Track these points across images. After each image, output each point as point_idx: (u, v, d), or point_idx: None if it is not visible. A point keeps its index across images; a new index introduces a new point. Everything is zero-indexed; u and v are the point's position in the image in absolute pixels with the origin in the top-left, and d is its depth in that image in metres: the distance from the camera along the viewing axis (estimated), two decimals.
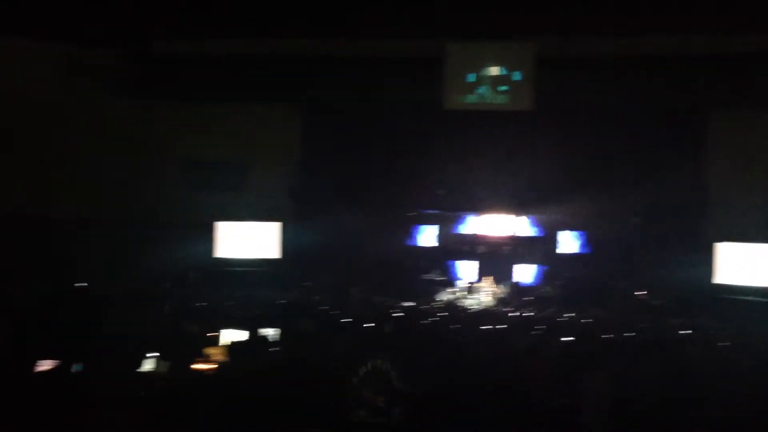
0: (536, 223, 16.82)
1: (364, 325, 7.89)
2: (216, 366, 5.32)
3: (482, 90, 15.91)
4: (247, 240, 16.28)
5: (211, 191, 16.86)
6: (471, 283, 15.66)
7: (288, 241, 16.13)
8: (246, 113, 16.82)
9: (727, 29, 13.63)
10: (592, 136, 15.67)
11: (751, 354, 7.85)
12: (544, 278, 16.27)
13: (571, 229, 16.52)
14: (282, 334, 6.87)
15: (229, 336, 6.61)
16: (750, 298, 13.81)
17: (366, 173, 16.74)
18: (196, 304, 10.54)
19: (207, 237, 15.98)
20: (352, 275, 15.65)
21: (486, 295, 14.94)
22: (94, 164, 15.68)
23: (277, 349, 6.05)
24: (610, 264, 15.57)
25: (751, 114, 14.80)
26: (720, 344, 8.50)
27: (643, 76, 14.62)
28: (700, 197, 15.21)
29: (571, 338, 8.02)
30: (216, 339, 6.80)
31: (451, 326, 9.21)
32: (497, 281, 15.47)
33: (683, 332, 9.77)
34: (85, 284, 10.65)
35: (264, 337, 6.18)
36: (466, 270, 16.56)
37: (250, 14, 14.70)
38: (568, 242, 16.53)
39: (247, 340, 6.07)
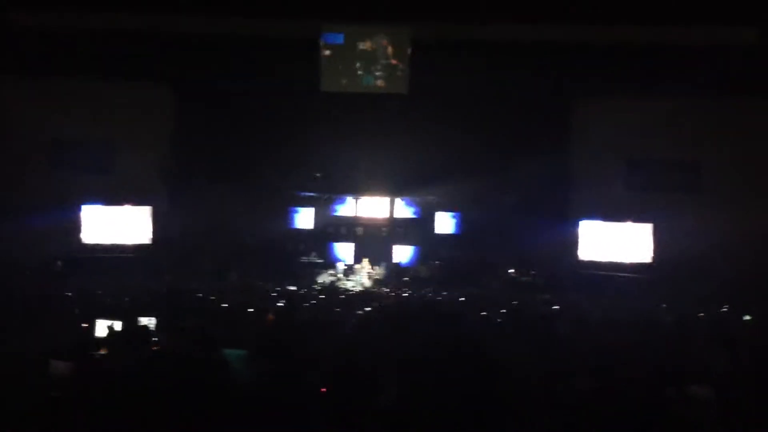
0: (412, 205, 17.13)
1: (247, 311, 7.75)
2: (98, 358, 5.05)
3: (359, 73, 15.93)
4: (117, 225, 15.56)
5: (77, 173, 15.93)
6: (350, 265, 15.76)
7: (161, 226, 15.55)
8: (116, 91, 15.98)
9: (591, 20, 14.32)
10: (465, 120, 16.05)
11: (614, 326, 8.41)
12: (420, 258, 16.63)
13: (446, 210, 16.95)
14: (159, 324, 6.63)
15: (104, 327, 6.30)
16: (611, 273, 14.88)
17: (242, 155, 16.40)
18: (65, 293, 9.96)
19: (74, 222, 15.11)
20: (229, 260, 15.34)
21: (365, 276, 15.08)
22: None
23: (156, 339, 5.83)
24: (483, 243, 16.11)
25: (614, 99, 15.69)
26: (586, 318, 9.04)
27: (513, 61, 15.09)
28: (565, 179, 16.00)
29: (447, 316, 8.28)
30: (90, 330, 6.47)
31: (332, 309, 9.26)
32: (375, 263, 15.66)
33: (552, 308, 10.27)
34: None
35: (144, 326, 5.94)
36: (345, 252, 16.64)
37: None
38: (443, 223, 16.96)
39: (126, 330, 5.82)
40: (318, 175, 16.82)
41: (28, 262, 13.57)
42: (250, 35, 15.32)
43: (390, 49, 15.80)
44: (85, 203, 15.41)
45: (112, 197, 15.62)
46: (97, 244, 15.37)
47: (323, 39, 15.76)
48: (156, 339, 5.74)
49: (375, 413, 3.89)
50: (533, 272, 15.31)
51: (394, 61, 15.79)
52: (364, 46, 15.87)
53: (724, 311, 10.59)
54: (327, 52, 15.77)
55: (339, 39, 15.91)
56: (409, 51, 15.53)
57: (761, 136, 15.11)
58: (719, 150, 15.41)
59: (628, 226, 15.37)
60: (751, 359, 5.87)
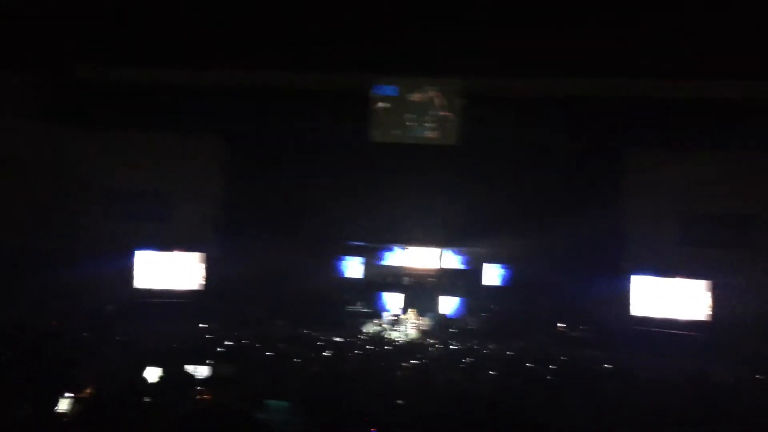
0: (461, 256, 17.02)
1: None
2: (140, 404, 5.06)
3: (409, 124, 16.12)
4: (169, 271, 15.86)
5: (134, 221, 16.39)
6: (396, 315, 15.66)
7: (211, 273, 15.79)
8: (170, 143, 16.49)
9: (644, 73, 14.28)
10: (516, 173, 16.03)
11: (667, 387, 8.10)
12: (468, 310, 16.43)
13: (495, 262, 16.79)
14: (203, 372, 6.65)
15: (151, 372, 6.34)
16: (664, 330, 14.45)
17: (292, 205, 16.62)
18: (115, 337, 10.10)
19: (129, 269, 15.50)
20: (276, 308, 15.42)
21: (411, 327, 14.95)
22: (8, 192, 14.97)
23: (201, 388, 5.83)
24: (532, 297, 15.86)
25: (665, 154, 15.47)
26: (638, 377, 8.74)
27: (565, 115, 15.12)
28: (617, 233, 15.72)
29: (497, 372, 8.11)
30: (134, 375, 6.51)
31: (378, 360, 9.16)
32: (422, 313, 15.54)
33: (603, 365, 9.97)
34: None
35: (188, 374, 5.96)
36: (392, 302, 16.57)
37: (178, 43, 14.47)
38: (492, 275, 16.77)
39: (170, 378, 5.83)
40: (367, 224, 16.89)
41: (81, 307, 13.83)
42: (302, 88, 15.73)
43: (440, 101, 15.98)
44: (138, 250, 15.79)
45: (166, 244, 15.98)
46: (148, 289, 15.68)
47: (375, 91, 16.04)
48: (200, 387, 5.73)
49: None
50: (583, 327, 14.94)
51: (444, 113, 15.95)
52: (415, 98, 16.10)
53: None
54: (379, 104, 16.04)
55: (390, 91, 16.18)
56: (459, 103, 15.67)
57: None
58: None
59: (681, 282, 14.96)
60: None
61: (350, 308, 16.28)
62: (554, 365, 9.56)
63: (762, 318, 13.60)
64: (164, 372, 6.35)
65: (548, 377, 8.18)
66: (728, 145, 14.23)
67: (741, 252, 15.12)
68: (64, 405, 5.30)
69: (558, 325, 15.14)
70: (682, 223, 15.76)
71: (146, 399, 5.15)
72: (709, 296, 14.62)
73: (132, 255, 15.72)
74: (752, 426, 5.53)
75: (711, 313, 14.55)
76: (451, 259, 17.02)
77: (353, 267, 17.20)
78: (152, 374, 6.39)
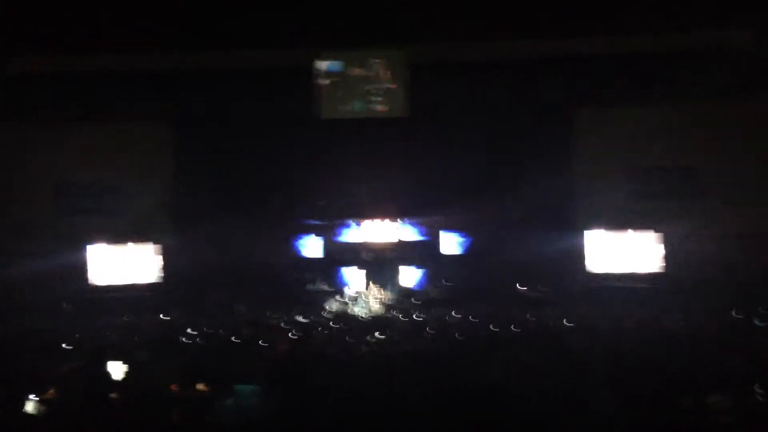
0: (418, 227, 17.10)
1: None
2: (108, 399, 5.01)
3: (358, 98, 16.03)
4: (124, 264, 15.62)
5: (82, 215, 16.03)
6: (358, 291, 15.71)
7: (168, 263, 15.60)
8: (114, 132, 16.08)
9: (587, 31, 14.41)
10: (465, 139, 16.09)
11: (628, 338, 8.35)
12: (429, 280, 16.57)
13: (452, 230, 16.92)
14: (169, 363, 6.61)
15: (117, 367, 6.28)
16: (620, 284, 14.86)
17: (245, 188, 16.44)
18: (75, 335, 9.95)
19: (81, 264, 15.19)
20: (237, 293, 15.32)
21: (375, 301, 15.03)
22: None
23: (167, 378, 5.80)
24: (491, 261, 16.04)
25: (612, 109, 15.68)
26: (599, 331, 8.99)
27: (511, 77, 15.18)
28: (569, 191, 15.98)
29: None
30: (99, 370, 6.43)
31: (343, 337, 9.21)
32: (384, 287, 15.61)
33: (566, 324, 10.20)
34: None
35: (154, 367, 5.92)
36: (354, 278, 16.59)
37: (115, 28, 14.06)
38: (450, 244, 16.90)
39: (135, 371, 5.79)
40: (322, 202, 16.84)
41: (34, 306, 13.55)
42: (246, 68, 15.46)
43: (388, 73, 15.92)
44: (90, 244, 15.48)
45: (118, 237, 15.69)
46: (104, 285, 15.42)
47: (320, 67, 15.89)
48: (167, 379, 5.70)
49: None
50: (542, 287, 15.22)
51: (392, 85, 15.90)
52: (361, 71, 16.00)
53: (737, 317, 10.49)
54: (325, 80, 15.90)
55: (336, 66, 16.05)
56: (406, 73, 15.64)
57: (757, 138, 15.06)
58: (719, 154, 15.39)
59: (633, 234, 15.35)
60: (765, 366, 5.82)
61: (312, 287, 16.25)
62: (517, 327, 9.75)
63: (710, 265, 14.01)
64: (128, 366, 6.30)
65: (512, 338, 8.35)
66: (671, 98, 14.50)
67: (689, 202, 15.54)
68: (29, 407, 5.23)
69: (518, 287, 15.37)
70: (630, 178, 16.09)
71: (112, 395, 5.11)
72: (661, 247, 15.04)
73: (84, 250, 15.40)
74: (711, 371, 5.73)
75: (663, 264, 14.98)
76: (408, 231, 17.08)
77: (312, 246, 17.12)
78: (116, 370, 6.33)
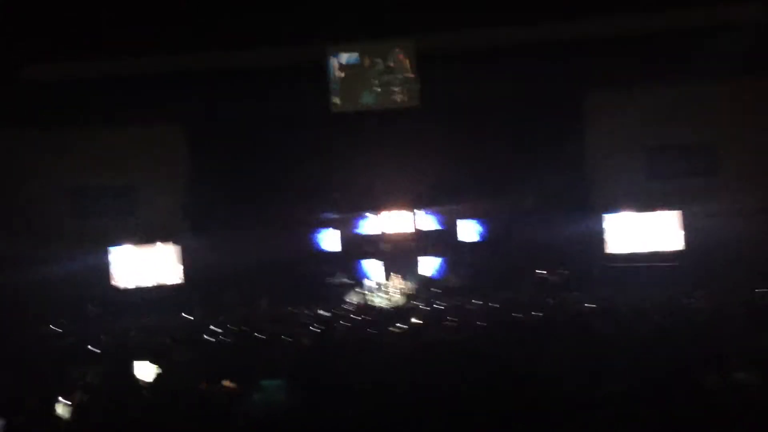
0: (435, 215, 17.10)
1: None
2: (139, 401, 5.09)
3: (368, 90, 16.03)
4: (146, 266, 15.79)
5: (103, 218, 16.20)
6: (378, 282, 15.74)
7: (190, 263, 15.75)
8: (129, 135, 16.24)
9: (594, 12, 14.29)
10: (479, 126, 16.07)
11: (650, 318, 8.32)
12: (449, 269, 16.57)
13: (469, 217, 16.90)
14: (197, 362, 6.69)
15: (146, 367, 6.36)
16: (640, 264, 14.80)
17: (261, 184, 16.52)
18: (101, 337, 10.07)
19: (104, 267, 15.37)
20: (259, 289, 15.41)
21: (395, 292, 15.06)
22: None
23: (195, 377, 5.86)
24: (509, 247, 16.03)
25: (627, 89, 15.58)
26: (621, 312, 8.96)
27: (522, 63, 15.10)
28: (586, 174, 15.93)
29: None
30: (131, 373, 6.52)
31: (364, 329, 9.25)
32: (404, 277, 15.63)
33: (587, 305, 10.18)
34: None
35: (182, 366, 5.99)
36: (373, 269, 16.63)
37: (125, 31, 14.13)
38: (468, 231, 16.88)
39: (164, 370, 5.86)
40: (337, 195, 16.88)
41: (60, 310, 13.73)
42: (258, 66, 15.51)
43: (397, 64, 15.90)
44: (111, 246, 15.67)
45: (139, 239, 15.87)
46: (128, 287, 15.60)
47: (329, 60, 15.90)
48: (192, 378, 5.76)
49: None
50: (562, 271, 15.19)
51: (403, 75, 15.88)
52: (371, 63, 15.99)
53: (760, 293, 10.42)
54: (334, 74, 15.90)
55: (345, 59, 16.04)
56: (416, 64, 15.61)
57: None
58: (737, 131, 15.24)
59: (653, 215, 15.27)
60: None
61: (331, 281, 16.30)
62: (539, 312, 9.74)
63: (732, 243, 13.91)
64: (153, 367, 6.37)
65: (534, 324, 8.35)
66: (686, 76, 14.36)
67: (709, 180, 15.43)
68: (59, 410, 5.32)
69: (537, 272, 15.35)
70: (648, 157, 16.01)
71: (145, 395, 5.19)
72: (681, 226, 14.94)
73: (106, 253, 15.58)
74: (736, 348, 5.71)
75: (684, 242, 14.89)
76: (426, 220, 17.08)
77: (330, 239, 17.18)
78: (141, 370, 6.41)
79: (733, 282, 11.80)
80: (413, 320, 9.76)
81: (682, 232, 14.96)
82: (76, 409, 5.27)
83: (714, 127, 15.47)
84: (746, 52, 13.71)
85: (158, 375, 5.69)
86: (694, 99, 15.12)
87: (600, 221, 15.60)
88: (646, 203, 15.45)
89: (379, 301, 14.70)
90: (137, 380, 6.18)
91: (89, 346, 9.18)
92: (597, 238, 15.55)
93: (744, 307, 9.20)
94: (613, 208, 15.66)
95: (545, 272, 15.33)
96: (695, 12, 14.29)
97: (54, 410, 5.26)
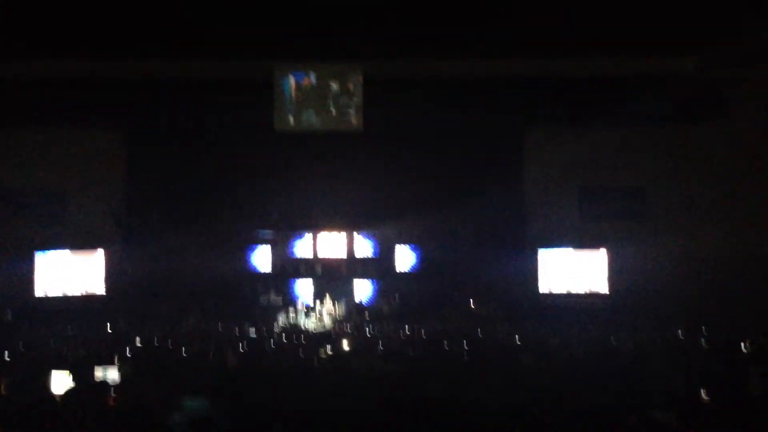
0: (371, 240, 17.12)
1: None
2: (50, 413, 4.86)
3: (311, 111, 15.99)
4: (71, 272, 15.28)
5: (29, 222, 15.63)
6: (310, 304, 15.61)
7: (116, 272, 15.32)
8: (66, 138, 15.82)
9: (538, 53, 14.67)
10: (420, 155, 16.24)
11: (575, 356, 8.48)
12: (382, 295, 16.56)
13: (404, 244, 16.97)
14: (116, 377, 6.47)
15: (60, 380, 6.11)
16: (569, 303, 15.15)
17: (197, 197, 16.27)
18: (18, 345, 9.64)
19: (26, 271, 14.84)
20: (187, 304, 15.07)
21: (326, 315, 14.95)
22: None
23: (112, 392, 5.66)
24: (443, 277, 16.16)
25: (564, 129, 16.06)
26: (546, 349, 9.11)
27: (464, 96, 15.37)
28: (522, 209, 16.25)
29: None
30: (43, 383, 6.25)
31: (294, 352, 9.13)
32: (336, 301, 15.55)
33: (514, 342, 10.31)
34: None
35: (101, 380, 5.78)
36: (305, 291, 16.50)
37: (69, 33, 13.73)
38: (402, 258, 16.95)
39: (81, 384, 5.64)
40: (274, 214, 16.73)
41: None
42: (201, 78, 15.29)
43: (343, 87, 15.92)
44: (37, 251, 15.13)
45: (65, 245, 15.36)
46: (50, 293, 15.07)
47: (276, 79, 15.81)
48: (113, 392, 5.57)
49: None
50: (493, 304, 15.37)
51: (347, 99, 15.90)
52: (317, 84, 15.96)
53: (680, 337, 10.77)
54: (280, 92, 15.81)
55: (291, 79, 15.98)
56: (361, 89, 15.67)
57: (703, 161, 15.55)
58: (666, 176, 15.86)
59: (583, 253, 15.68)
60: (708, 383, 5.96)
61: (263, 299, 16.09)
62: (469, 344, 9.81)
63: (656, 285, 14.37)
64: (73, 378, 6.14)
65: (464, 356, 8.40)
66: (621, 120, 14.88)
67: (635, 222, 15.97)
68: None
69: (471, 303, 15.49)
70: (580, 197, 16.48)
71: (56, 407, 4.98)
72: (607, 267, 15.37)
73: (30, 257, 15.03)
74: (655, 389, 5.85)
75: (609, 284, 15.31)
76: (361, 244, 17.08)
77: (264, 257, 16.99)
78: (60, 381, 6.16)
79: (657, 322, 12.18)
80: (343, 345, 9.69)
81: (611, 272, 15.35)
82: None
83: (645, 171, 16.04)
84: (680, 100, 14.39)
85: (71, 388, 5.46)
86: (629, 143, 15.68)
87: (533, 257, 15.89)
88: (578, 241, 15.84)
89: (309, 323, 14.55)
90: (50, 392, 5.93)
91: (5, 354, 8.78)
92: (529, 273, 15.83)
93: (665, 348, 9.49)
94: (546, 244, 15.99)
95: (477, 304, 15.47)
96: (632, 61, 14.84)
97: None
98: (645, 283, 14.47)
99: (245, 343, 10.05)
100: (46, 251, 15.30)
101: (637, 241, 15.19)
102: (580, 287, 15.57)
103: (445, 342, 9.82)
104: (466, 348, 9.20)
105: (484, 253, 15.50)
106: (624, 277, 14.94)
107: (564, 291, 15.63)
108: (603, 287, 15.38)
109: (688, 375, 6.48)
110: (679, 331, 11.02)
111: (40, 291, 15.16)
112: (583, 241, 15.84)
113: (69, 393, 5.19)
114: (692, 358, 8.16)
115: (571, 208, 16.46)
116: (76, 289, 15.30)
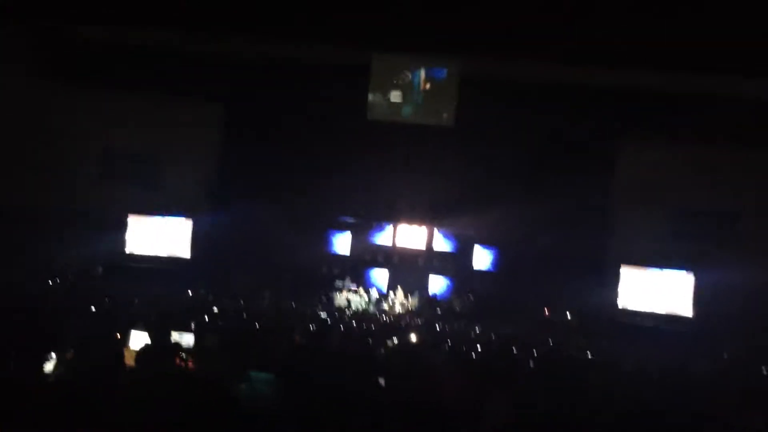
0: (450, 237, 17.06)
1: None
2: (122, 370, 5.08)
3: (405, 103, 16.03)
4: (160, 236, 15.92)
5: (126, 185, 16.37)
6: (384, 293, 15.72)
7: (201, 240, 15.85)
8: (167, 107, 16.42)
9: (641, 65, 14.21)
10: (508, 157, 16.06)
11: (648, 379, 8.19)
12: (455, 292, 16.50)
13: (484, 244, 16.84)
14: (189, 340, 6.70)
15: (137, 338, 6.37)
16: (648, 321, 14.64)
17: (285, 177, 16.58)
18: (104, 299, 10.13)
19: (120, 231, 15.53)
20: (264, 280, 15.45)
21: (398, 306, 15.02)
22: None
23: (185, 356, 5.85)
24: (520, 281, 15.95)
25: (660, 146, 15.51)
26: (620, 368, 8.83)
27: (561, 103, 15.10)
28: (608, 223, 15.82)
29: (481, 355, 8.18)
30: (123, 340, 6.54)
31: (362, 338, 9.21)
32: (410, 293, 15.59)
33: (587, 357, 10.06)
34: None
35: (174, 342, 5.99)
36: (381, 280, 16.61)
37: (177, 4, 14.22)
38: (481, 258, 16.84)
39: (153, 344, 5.85)
40: (359, 200, 16.89)
41: (71, 268, 13.87)
42: (302, 60, 15.58)
43: (438, 81, 15.88)
44: (131, 213, 15.79)
45: (158, 209, 16.01)
46: (139, 254, 15.73)
47: (374, 68, 15.92)
48: (184, 355, 5.76)
49: None
50: (569, 315, 15.06)
51: (441, 94, 15.86)
52: (413, 77, 15.98)
53: (764, 373, 10.23)
54: (376, 82, 15.92)
55: (390, 68, 16.06)
56: (457, 84, 15.59)
57: None
58: (763, 203, 15.09)
59: (669, 274, 15.11)
60: None
61: (338, 284, 16.32)
62: (537, 352, 9.64)
63: (744, 314, 13.73)
64: (149, 338, 6.39)
65: (530, 365, 8.26)
66: (721, 141, 14.27)
67: (727, 247, 15.26)
68: (49, 366, 5.32)
69: (545, 311, 15.23)
70: (671, 217, 15.89)
71: (129, 364, 5.19)
72: (694, 291, 14.76)
73: (124, 218, 15.72)
74: (729, 422, 5.60)
75: (694, 307, 14.71)
76: (441, 240, 17.05)
77: (343, 243, 17.22)
78: (137, 339, 6.43)
79: (742, 354, 11.62)
80: (411, 338, 9.71)
81: (696, 296, 14.75)
82: (63, 367, 5.28)
83: (741, 195, 15.35)
84: None
85: (147, 346, 5.68)
86: (726, 165, 15.00)
87: (615, 273, 15.42)
88: (664, 262, 15.28)
89: (380, 312, 14.67)
90: (127, 348, 6.20)
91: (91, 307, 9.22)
92: (610, 289, 15.39)
93: (747, 381, 9.04)
94: (630, 261, 15.48)
95: (552, 313, 15.20)
96: (734, 79, 14.16)
97: (44, 364, 5.27)
98: (732, 312, 13.83)
99: (316, 324, 10.20)
100: (140, 214, 15.92)
101: (728, 267, 14.51)
102: (661, 308, 15.02)
103: (514, 347, 9.67)
104: (534, 355, 9.04)
105: (564, 263, 15.16)
106: (710, 303, 14.34)
107: (644, 309, 15.09)
108: (687, 310, 14.80)
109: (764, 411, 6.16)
110: (763, 367, 10.47)
111: (129, 250, 15.80)
112: (669, 262, 15.25)
113: (142, 351, 5.39)
114: None
115: (660, 227, 15.89)
116: (162, 251, 15.89)
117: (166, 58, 15.50)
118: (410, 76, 15.94)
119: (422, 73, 15.87)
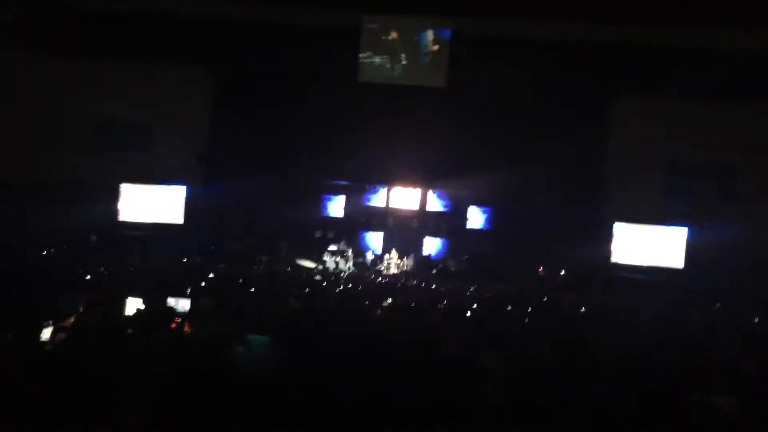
0: (444, 198, 17.06)
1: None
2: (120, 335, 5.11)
3: (396, 64, 15.90)
4: (153, 204, 15.87)
5: (118, 153, 16.27)
6: (379, 255, 15.77)
7: (195, 207, 15.82)
8: (157, 75, 16.26)
9: (634, 20, 14.10)
10: (502, 115, 15.97)
11: (641, 330, 8.29)
12: (450, 252, 16.57)
13: (479, 205, 16.86)
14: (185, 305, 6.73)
15: (133, 304, 6.40)
16: (642, 276, 14.72)
17: (277, 141, 16.51)
18: (100, 268, 10.14)
19: (113, 199, 15.48)
20: (259, 244, 15.47)
21: (393, 267, 15.09)
22: None
23: (181, 320, 5.89)
24: (514, 240, 16.00)
25: (650, 102, 15.44)
26: (613, 321, 8.93)
27: (554, 59, 14.99)
28: (602, 179, 15.82)
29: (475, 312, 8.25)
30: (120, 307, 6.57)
31: (357, 300, 9.26)
32: (405, 254, 15.65)
33: (580, 310, 10.15)
34: None
35: (170, 308, 6.03)
36: (375, 242, 16.66)
37: None
38: (475, 218, 16.87)
39: (149, 310, 5.89)
40: (351, 163, 16.82)
41: (64, 237, 13.85)
42: (291, 23, 15.40)
43: (430, 42, 15.74)
44: (123, 182, 15.73)
45: (151, 177, 15.93)
46: (133, 222, 15.70)
47: (363, 29, 15.75)
48: (180, 320, 5.80)
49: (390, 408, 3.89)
50: (563, 272, 15.15)
51: (433, 54, 15.73)
52: (404, 38, 15.83)
53: (755, 322, 10.36)
54: (366, 43, 15.76)
55: (378, 30, 15.88)
56: (448, 45, 15.45)
57: None
58: (759, 155, 15.07)
59: (662, 229, 15.15)
60: None
61: (332, 246, 16.36)
62: (531, 308, 9.72)
63: (737, 266, 13.83)
64: (145, 304, 6.41)
65: (524, 320, 8.33)
66: (714, 95, 14.21)
67: (721, 201, 15.30)
68: (46, 333, 5.36)
69: (539, 268, 15.32)
70: (665, 173, 15.89)
71: (127, 330, 5.22)
72: (685, 244, 14.84)
73: (116, 187, 15.67)
74: (723, 370, 5.68)
75: (686, 260, 14.80)
76: (434, 201, 17.06)
77: (337, 206, 17.21)
78: (133, 306, 6.46)
79: (733, 305, 11.75)
80: (406, 299, 9.77)
81: (689, 249, 14.82)
82: (65, 334, 5.31)
83: (737, 148, 15.33)
84: None
85: (143, 312, 5.72)
86: (724, 118, 14.95)
87: (608, 230, 15.47)
88: (659, 218, 15.31)
89: (375, 273, 14.74)
90: (124, 315, 6.23)
91: (87, 276, 9.24)
92: (603, 245, 15.46)
93: (738, 331, 9.15)
94: (624, 218, 15.52)
95: (545, 270, 15.29)
96: (733, 33, 14.07)
97: (42, 331, 5.29)
98: (726, 264, 13.92)
99: (310, 286, 10.26)
100: (132, 183, 15.86)
101: (723, 220, 14.57)
102: (655, 262, 15.10)
103: (506, 305, 9.75)
104: (529, 312, 9.12)
105: (558, 221, 15.20)
106: (703, 255, 14.43)
107: (637, 264, 15.17)
108: (678, 262, 14.88)
109: (759, 362, 6.25)
110: (756, 318, 10.60)
111: (123, 217, 15.78)
112: (664, 217, 15.28)
113: (140, 316, 5.43)
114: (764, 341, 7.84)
115: (654, 183, 15.90)
116: (156, 218, 15.87)
117: (155, 25, 15.29)
118: (400, 38, 15.79)
119: (412, 34, 15.71)
